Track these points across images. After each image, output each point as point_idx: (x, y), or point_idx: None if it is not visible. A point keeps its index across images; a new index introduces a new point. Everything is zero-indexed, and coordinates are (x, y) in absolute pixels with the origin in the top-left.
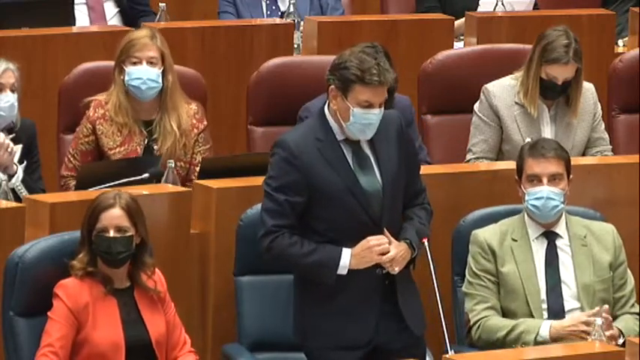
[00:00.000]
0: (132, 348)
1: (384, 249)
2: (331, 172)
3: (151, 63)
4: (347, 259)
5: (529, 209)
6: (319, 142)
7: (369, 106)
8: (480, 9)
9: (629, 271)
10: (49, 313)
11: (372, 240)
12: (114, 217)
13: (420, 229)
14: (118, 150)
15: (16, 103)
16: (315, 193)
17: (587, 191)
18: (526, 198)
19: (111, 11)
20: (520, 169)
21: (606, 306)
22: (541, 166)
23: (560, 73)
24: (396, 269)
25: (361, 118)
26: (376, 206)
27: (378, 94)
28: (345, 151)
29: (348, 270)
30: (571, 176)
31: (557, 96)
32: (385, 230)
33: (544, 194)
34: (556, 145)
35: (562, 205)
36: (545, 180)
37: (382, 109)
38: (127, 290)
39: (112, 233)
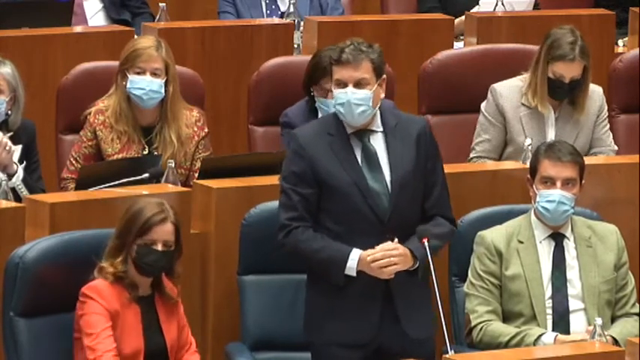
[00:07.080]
0: (149, 354)
1: (388, 263)
2: (338, 166)
3: (154, 74)
4: (355, 262)
5: (539, 211)
6: (330, 137)
7: (342, 85)
8: (480, 9)
9: (629, 271)
10: (86, 317)
11: (377, 253)
12: (166, 232)
13: (423, 230)
14: (116, 157)
15: None
16: (323, 186)
17: (587, 191)
18: (537, 199)
19: (94, 7)
20: (534, 170)
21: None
22: (556, 169)
23: (566, 70)
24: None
25: (337, 99)
26: (383, 205)
27: (347, 71)
28: (353, 145)
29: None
30: (583, 181)
31: (565, 95)
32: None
33: (556, 198)
34: (572, 150)
35: (572, 210)
36: (559, 183)
37: (365, 91)
38: (148, 298)
39: (160, 247)
